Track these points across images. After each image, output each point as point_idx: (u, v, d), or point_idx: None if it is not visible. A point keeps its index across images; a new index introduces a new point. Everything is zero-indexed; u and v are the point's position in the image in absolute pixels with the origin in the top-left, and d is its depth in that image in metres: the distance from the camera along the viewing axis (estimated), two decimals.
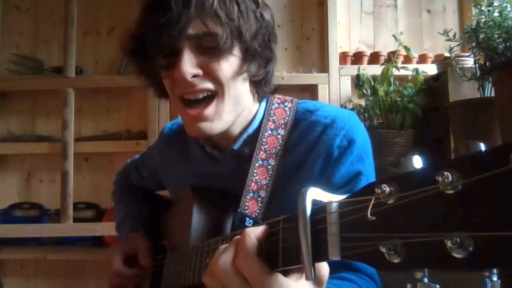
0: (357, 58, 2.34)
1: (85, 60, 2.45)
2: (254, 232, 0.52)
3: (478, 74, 1.46)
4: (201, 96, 0.78)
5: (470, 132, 1.48)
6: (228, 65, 0.78)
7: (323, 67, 2.36)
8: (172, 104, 0.87)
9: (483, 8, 1.37)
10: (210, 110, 0.78)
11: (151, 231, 1.10)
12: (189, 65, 0.75)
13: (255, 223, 0.79)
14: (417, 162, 0.37)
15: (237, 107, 0.82)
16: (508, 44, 1.29)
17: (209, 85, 0.77)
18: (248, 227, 0.78)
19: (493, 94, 1.40)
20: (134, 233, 1.08)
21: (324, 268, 0.50)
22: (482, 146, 0.32)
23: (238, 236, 0.55)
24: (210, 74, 0.77)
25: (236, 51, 0.78)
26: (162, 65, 0.78)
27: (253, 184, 0.81)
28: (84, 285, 2.37)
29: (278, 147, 0.84)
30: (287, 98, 0.91)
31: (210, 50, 0.76)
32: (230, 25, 0.75)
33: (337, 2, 2.32)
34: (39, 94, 2.44)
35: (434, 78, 1.86)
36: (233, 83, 0.80)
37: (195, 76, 0.76)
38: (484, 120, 1.43)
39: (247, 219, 0.79)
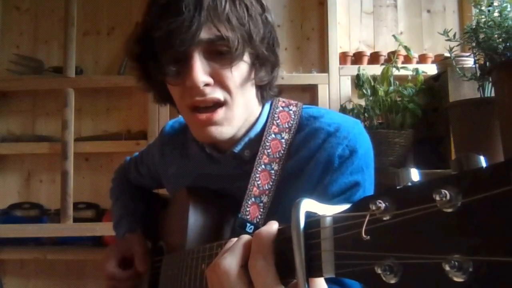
0: (357, 58, 2.33)
1: (85, 60, 2.44)
2: (271, 235, 0.49)
3: (478, 74, 1.45)
4: (211, 104, 0.77)
5: (470, 132, 1.47)
6: (239, 73, 0.77)
7: (323, 67, 2.35)
8: (177, 108, 0.85)
9: (483, 8, 1.36)
10: (220, 115, 0.77)
11: (148, 231, 1.09)
12: (201, 73, 0.73)
13: (256, 229, 0.77)
14: (415, 175, 0.35)
15: (245, 113, 0.82)
16: (508, 44, 1.28)
17: (219, 95, 0.76)
18: (249, 233, 0.78)
19: (493, 94, 1.39)
20: (131, 233, 1.07)
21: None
22: (483, 161, 0.30)
23: (248, 236, 0.53)
24: (220, 83, 0.76)
25: (246, 57, 0.77)
26: (172, 72, 0.75)
27: (255, 189, 0.80)
28: (84, 285, 2.37)
29: (282, 152, 0.82)
30: (292, 101, 0.89)
31: (221, 56, 0.75)
32: (241, 30, 0.74)
33: (337, 2, 2.31)
34: (39, 94, 2.44)
35: (434, 78, 1.84)
36: (242, 90, 0.79)
37: (206, 84, 0.74)
38: (484, 120, 1.41)
39: (248, 224, 0.77)
